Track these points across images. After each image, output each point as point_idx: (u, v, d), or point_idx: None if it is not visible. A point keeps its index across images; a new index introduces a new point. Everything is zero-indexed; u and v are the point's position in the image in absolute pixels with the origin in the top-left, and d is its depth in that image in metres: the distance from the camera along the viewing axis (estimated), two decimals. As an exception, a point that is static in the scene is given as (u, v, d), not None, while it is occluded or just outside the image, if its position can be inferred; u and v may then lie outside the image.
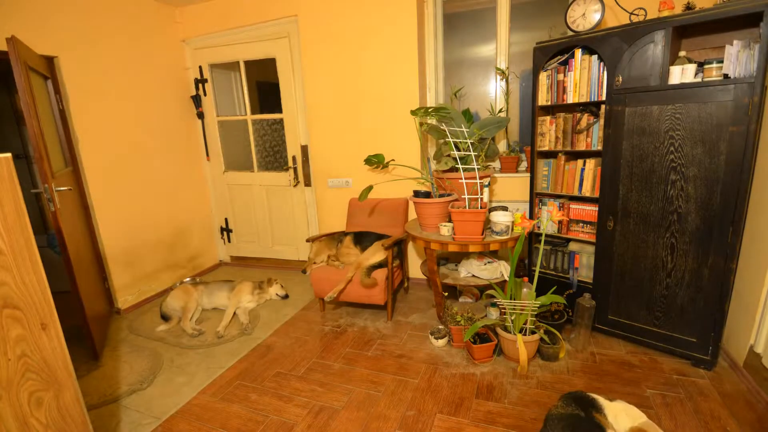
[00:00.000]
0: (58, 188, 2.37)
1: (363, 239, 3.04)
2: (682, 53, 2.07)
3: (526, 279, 2.33)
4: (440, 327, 2.61)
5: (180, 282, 3.59)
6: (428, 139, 3.38)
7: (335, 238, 3.19)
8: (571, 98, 2.44)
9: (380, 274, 2.77)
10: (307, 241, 3.14)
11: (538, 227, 2.74)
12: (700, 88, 1.92)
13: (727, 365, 2.16)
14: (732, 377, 2.07)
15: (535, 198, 2.74)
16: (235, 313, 3.06)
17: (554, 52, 2.46)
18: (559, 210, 2.61)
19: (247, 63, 3.75)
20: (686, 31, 2.10)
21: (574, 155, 2.58)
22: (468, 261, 2.84)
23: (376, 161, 3.00)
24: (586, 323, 2.36)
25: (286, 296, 3.39)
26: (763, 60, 1.74)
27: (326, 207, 3.70)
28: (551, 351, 2.27)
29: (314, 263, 3.10)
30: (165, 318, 3.03)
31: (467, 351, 2.41)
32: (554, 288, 2.50)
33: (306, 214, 3.87)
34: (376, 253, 2.85)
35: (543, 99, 2.57)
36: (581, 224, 2.55)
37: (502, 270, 2.72)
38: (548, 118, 2.58)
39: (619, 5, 2.40)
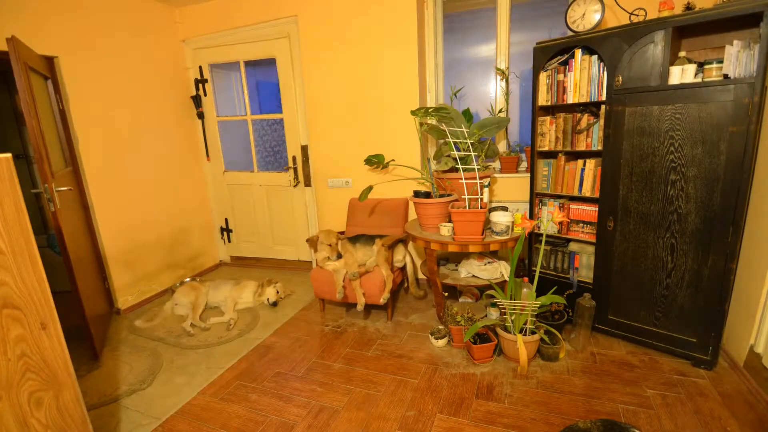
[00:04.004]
0: (58, 188, 2.37)
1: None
2: (682, 53, 2.07)
3: (526, 279, 2.33)
4: (440, 327, 2.61)
5: (181, 282, 3.59)
6: (428, 139, 3.38)
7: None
8: (571, 98, 2.44)
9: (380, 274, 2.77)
10: (307, 240, 3.13)
11: (539, 228, 2.74)
12: (700, 88, 1.92)
13: (727, 365, 2.16)
14: (732, 377, 2.07)
15: (535, 198, 2.74)
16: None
17: (554, 52, 2.46)
18: (560, 211, 2.61)
19: (248, 63, 3.75)
20: (686, 31, 2.10)
21: (574, 155, 2.58)
22: (468, 261, 2.84)
23: (376, 161, 3.00)
24: (586, 323, 2.36)
25: (275, 304, 3.20)
26: (763, 60, 1.74)
27: (326, 207, 3.70)
28: (551, 351, 2.27)
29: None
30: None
31: (467, 351, 2.41)
32: (554, 288, 2.50)
33: (306, 214, 3.87)
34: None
35: (543, 99, 2.57)
36: (581, 224, 2.55)
37: (502, 270, 2.72)
38: (548, 118, 2.58)
39: (619, 5, 2.40)
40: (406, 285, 3.37)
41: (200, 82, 3.91)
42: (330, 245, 2.86)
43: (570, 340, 2.46)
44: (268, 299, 3.23)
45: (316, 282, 2.92)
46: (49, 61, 2.80)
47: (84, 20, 2.97)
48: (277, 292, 3.28)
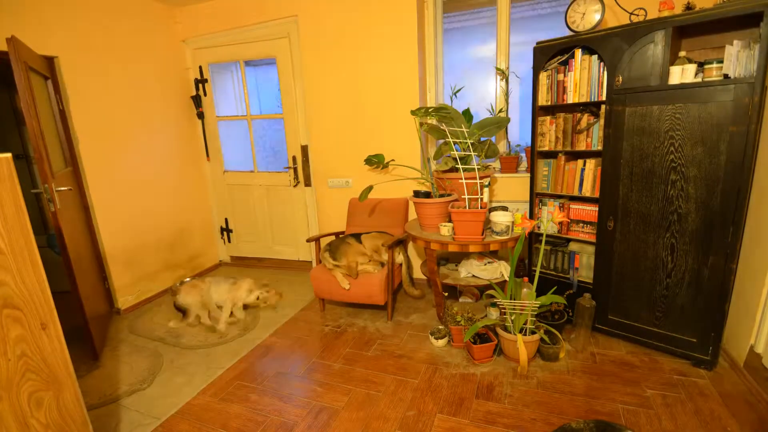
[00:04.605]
0: (58, 188, 2.37)
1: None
2: (682, 53, 2.06)
3: (526, 279, 2.33)
4: (440, 327, 2.61)
5: (181, 282, 3.58)
6: (428, 139, 3.38)
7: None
8: (571, 98, 2.43)
9: (381, 275, 2.77)
10: (308, 241, 3.14)
11: (539, 228, 2.74)
12: (700, 88, 1.92)
13: (727, 365, 2.16)
14: (732, 377, 2.07)
15: (536, 198, 2.74)
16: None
17: (554, 52, 2.46)
18: (560, 210, 2.61)
19: (248, 62, 3.74)
20: (686, 31, 2.10)
21: (574, 155, 2.58)
22: (468, 261, 2.84)
23: (376, 161, 3.01)
24: (586, 323, 2.36)
25: (245, 307, 3.10)
26: (763, 60, 1.74)
27: (326, 207, 3.70)
28: (551, 351, 2.27)
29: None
30: (181, 311, 3.02)
31: (467, 351, 2.41)
32: (554, 288, 2.50)
33: (306, 214, 3.87)
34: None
35: (543, 99, 2.57)
36: (581, 224, 2.55)
37: (502, 270, 2.72)
38: (548, 118, 2.58)
39: (619, 5, 2.40)
40: (406, 285, 3.37)
41: (200, 82, 3.91)
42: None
43: (570, 340, 2.46)
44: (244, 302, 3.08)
45: (316, 282, 2.92)
46: (49, 61, 2.80)
47: (84, 20, 2.97)
48: (257, 298, 3.10)
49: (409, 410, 1.97)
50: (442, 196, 2.72)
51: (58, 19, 2.81)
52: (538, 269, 2.30)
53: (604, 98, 2.27)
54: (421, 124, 3.07)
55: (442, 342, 2.50)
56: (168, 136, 3.71)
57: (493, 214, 2.52)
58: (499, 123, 2.80)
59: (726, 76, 1.91)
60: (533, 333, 2.24)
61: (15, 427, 1.26)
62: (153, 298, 3.52)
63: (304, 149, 3.69)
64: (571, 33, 2.39)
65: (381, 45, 3.13)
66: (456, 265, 2.97)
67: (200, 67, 3.86)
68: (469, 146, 2.60)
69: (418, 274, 3.46)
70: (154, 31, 3.55)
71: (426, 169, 3.16)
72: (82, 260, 2.63)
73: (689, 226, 2.06)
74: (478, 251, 2.67)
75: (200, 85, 3.92)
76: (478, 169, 2.58)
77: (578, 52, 2.34)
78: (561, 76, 2.45)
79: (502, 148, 3.23)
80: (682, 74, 1.98)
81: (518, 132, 3.25)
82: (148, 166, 3.50)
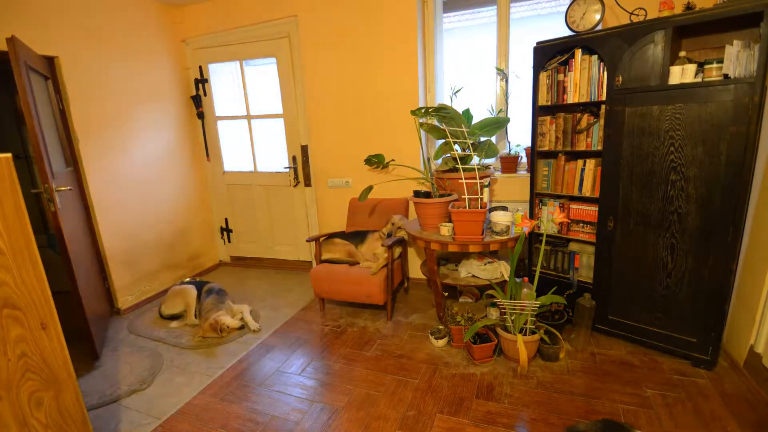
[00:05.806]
0: (58, 188, 2.37)
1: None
2: (683, 53, 2.07)
3: (526, 279, 2.33)
4: (440, 327, 2.61)
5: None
6: (428, 139, 3.38)
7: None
8: (571, 98, 2.43)
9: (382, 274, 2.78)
10: (308, 241, 3.13)
11: (539, 228, 2.74)
12: (700, 88, 1.91)
13: (727, 365, 2.16)
14: (732, 377, 2.07)
15: (536, 198, 2.74)
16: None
17: (554, 52, 2.46)
18: (560, 211, 2.61)
19: (247, 62, 3.74)
20: (686, 31, 2.10)
21: (574, 155, 2.58)
22: (468, 261, 2.84)
23: (376, 161, 3.01)
24: (586, 323, 2.36)
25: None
26: (763, 60, 1.74)
27: (326, 207, 3.70)
28: (551, 351, 2.27)
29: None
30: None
31: (467, 351, 2.41)
32: (554, 288, 2.50)
33: (306, 214, 3.87)
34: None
35: (543, 99, 2.57)
36: (581, 224, 2.55)
37: (502, 270, 2.72)
38: (548, 118, 2.58)
39: (619, 5, 2.40)
40: (405, 285, 3.37)
41: (200, 82, 3.90)
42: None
43: (570, 340, 2.46)
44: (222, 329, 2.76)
45: (316, 281, 2.92)
46: (49, 61, 2.80)
47: (84, 20, 2.97)
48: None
49: (409, 410, 1.97)
50: (442, 196, 2.72)
51: (58, 19, 2.81)
52: (538, 269, 2.30)
53: (604, 98, 2.27)
54: (421, 124, 3.07)
55: (442, 342, 2.50)
56: (168, 136, 3.71)
57: (493, 214, 2.52)
58: (499, 123, 2.80)
59: (726, 76, 1.90)
60: (533, 333, 2.24)
61: (15, 426, 1.26)
62: (153, 298, 3.52)
63: (304, 149, 3.69)
64: (571, 33, 2.39)
65: (381, 45, 3.13)
66: (456, 265, 2.97)
67: (200, 67, 3.86)
68: (469, 146, 2.60)
69: (418, 273, 3.47)
70: (154, 31, 3.55)
71: (426, 169, 3.16)
72: (82, 260, 2.64)
73: (689, 226, 2.06)
74: (478, 251, 2.67)
75: (200, 85, 3.92)
76: (478, 169, 2.58)
77: (578, 52, 2.34)
78: (561, 76, 2.45)
79: (502, 148, 3.23)
80: (682, 74, 1.98)
81: (518, 132, 3.25)
82: (148, 166, 3.50)
